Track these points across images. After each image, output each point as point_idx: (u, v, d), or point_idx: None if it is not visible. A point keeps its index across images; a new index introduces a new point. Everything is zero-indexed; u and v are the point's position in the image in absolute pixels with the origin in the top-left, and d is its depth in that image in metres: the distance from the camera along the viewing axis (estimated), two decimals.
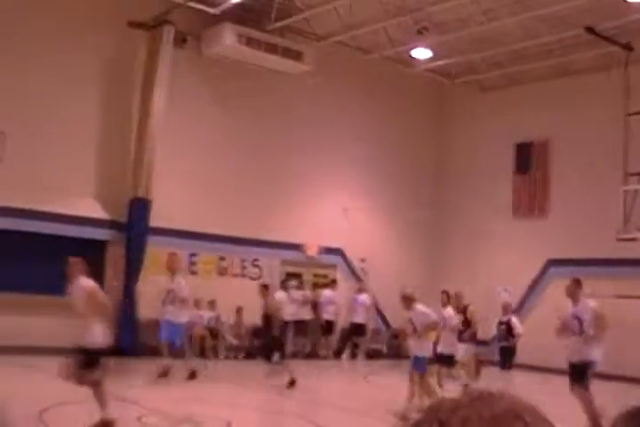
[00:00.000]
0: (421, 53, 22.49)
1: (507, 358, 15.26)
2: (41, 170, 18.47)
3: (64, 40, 19.00)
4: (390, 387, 15.40)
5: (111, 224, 19.43)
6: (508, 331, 15.35)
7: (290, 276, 21.99)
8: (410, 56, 22.78)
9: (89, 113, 19.57)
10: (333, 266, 23.41)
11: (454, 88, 25.34)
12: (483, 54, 22.39)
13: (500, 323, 15.51)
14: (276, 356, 15.67)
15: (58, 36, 18.92)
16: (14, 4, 18.30)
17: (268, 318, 15.86)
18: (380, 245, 24.27)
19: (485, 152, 24.96)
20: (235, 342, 20.32)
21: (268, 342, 15.90)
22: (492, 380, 14.60)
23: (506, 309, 15.89)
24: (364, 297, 22.11)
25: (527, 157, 24.10)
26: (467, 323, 15.58)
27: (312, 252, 22.79)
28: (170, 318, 15.16)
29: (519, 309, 22.89)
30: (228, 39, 20.27)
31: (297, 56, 21.20)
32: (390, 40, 21.64)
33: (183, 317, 15.39)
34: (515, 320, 15.72)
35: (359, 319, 21.78)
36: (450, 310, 14.78)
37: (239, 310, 20.69)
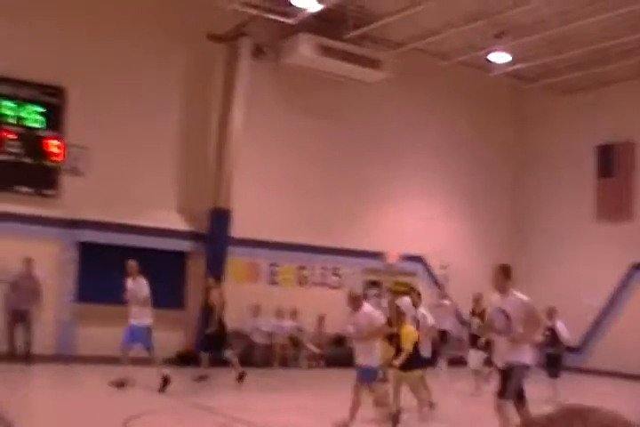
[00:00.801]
0: (500, 57, 22.24)
1: (553, 365, 14.78)
2: (124, 184, 18.86)
3: (144, 55, 19.36)
4: (474, 395, 15.23)
5: (192, 235, 19.68)
6: (553, 337, 14.86)
7: (370, 284, 21.94)
8: (488, 60, 22.55)
9: (169, 125, 19.89)
10: (414, 273, 23.25)
11: (533, 92, 24.99)
12: (562, 56, 21.97)
13: (546, 329, 14.79)
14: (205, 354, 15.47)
15: (138, 52, 19.29)
16: (94, 22, 18.73)
17: (211, 312, 15.46)
18: (460, 252, 24.05)
19: (566, 156, 24.54)
20: (317, 351, 20.34)
21: (212, 337, 15.46)
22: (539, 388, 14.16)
23: (550, 314, 15.19)
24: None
25: (610, 160, 23.61)
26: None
27: (392, 259, 22.69)
28: (132, 321, 14.14)
29: (604, 313, 22.53)
30: (304, 49, 20.37)
31: (374, 64, 21.19)
32: (468, 45, 21.48)
33: (146, 318, 14.18)
34: (560, 325, 15.09)
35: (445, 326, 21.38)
36: (422, 311, 13.82)
37: (321, 319, 20.71)
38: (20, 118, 18.18)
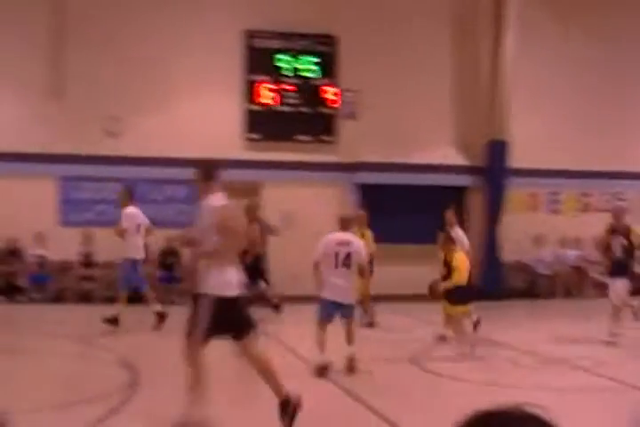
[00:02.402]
0: None
1: None
2: (398, 123, 19.30)
3: None
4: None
5: (470, 169, 19.82)
6: None
7: None
8: None
9: (440, 60, 20.01)
10: None
11: None
12: None
13: None
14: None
15: None
16: None
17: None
18: None
19: None
20: (603, 280, 19.96)
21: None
22: None
23: None
24: None
25: None
26: (630, 248, 12.45)
27: None
28: (124, 254, 13.06)
29: None
30: None
31: None
32: None
33: (139, 252, 13.02)
34: None
35: None
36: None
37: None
38: (296, 70, 19.11)
